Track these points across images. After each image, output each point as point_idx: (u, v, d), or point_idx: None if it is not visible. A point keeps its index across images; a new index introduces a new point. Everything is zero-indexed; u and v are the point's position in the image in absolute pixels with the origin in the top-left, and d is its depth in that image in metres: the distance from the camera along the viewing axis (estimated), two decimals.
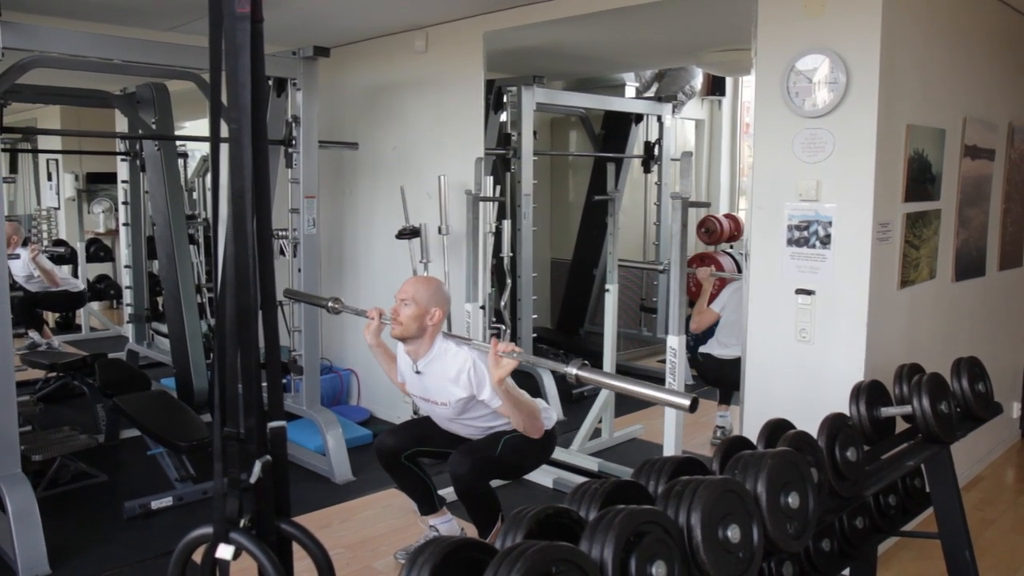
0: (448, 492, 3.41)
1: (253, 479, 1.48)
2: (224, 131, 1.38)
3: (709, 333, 4.74)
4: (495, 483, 3.19)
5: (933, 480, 2.45)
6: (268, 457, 1.50)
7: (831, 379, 3.18)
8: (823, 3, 3.14)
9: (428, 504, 3.33)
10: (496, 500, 3.14)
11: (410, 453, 3.20)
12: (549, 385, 5.33)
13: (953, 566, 2.44)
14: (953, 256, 3.84)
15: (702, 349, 4.74)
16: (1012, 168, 4.39)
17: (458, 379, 2.98)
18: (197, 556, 1.54)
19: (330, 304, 3.41)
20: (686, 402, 2.17)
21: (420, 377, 3.10)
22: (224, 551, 1.46)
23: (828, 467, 1.91)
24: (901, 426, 2.46)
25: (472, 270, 4.38)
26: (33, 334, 7.02)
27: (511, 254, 4.71)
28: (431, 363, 3.06)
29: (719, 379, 4.65)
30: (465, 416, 3.09)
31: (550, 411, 3.21)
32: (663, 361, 3.25)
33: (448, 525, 3.36)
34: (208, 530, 1.49)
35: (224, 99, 1.42)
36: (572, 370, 2.37)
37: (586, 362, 2.39)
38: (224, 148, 1.37)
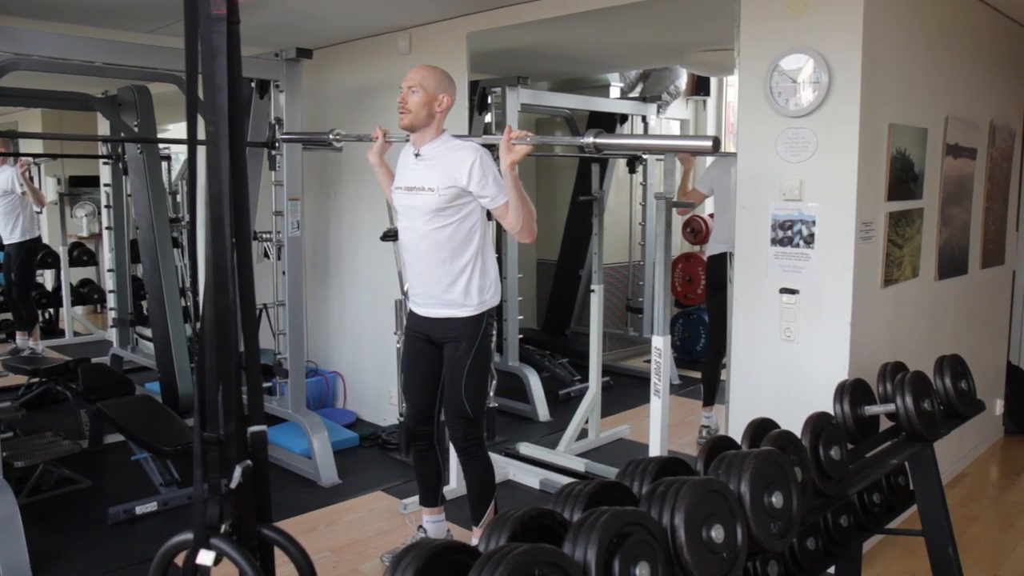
0: (448, 490, 3.48)
1: (233, 484, 1.46)
2: (202, 133, 1.37)
3: (699, 310, 4.66)
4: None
5: (917, 478, 2.46)
6: (248, 462, 1.49)
7: (815, 378, 3.19)
8: (805, 3, 3.15)
9: (432, 495, 3.36)
10: (492, 476, 3.23)
11: (436, 413, 3.22)
12: (535, 386, 5.34)
13: (937, 563, 2.45)
14: (936, 254, 3.86)
15: (708, 253, 4.68)
16: (994, 167, 4.42)
17: (458, 167, 2.91)
18: (180, 562, 1.53)
19: (331, 136, 3.38)
20: (707, 143, 2.13)
21: (418, 162, 3.02)
22: (205, 557, 1.45)
23: (812, 466, 1.91)
24: (885, 424, 2.47)
25: None
26: (20, 337, 6.96)
27: (497, 255, 4.69)
28: (434, 149, 3.00)
29: (721, 280, 4.17)
30: (442, 216, 2.96)
31: (495, 296, 3.15)
32: (650, 361, 3.25)
33: (438, 525, 3.37)
34: (188, 536, 1.48)
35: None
36: (588, 139, 2.34)
37: (601, 130, 2.37)
38: (202, 151, 1.37)
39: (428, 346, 3.17)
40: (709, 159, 5.09)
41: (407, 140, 3.08)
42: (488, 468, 3.21)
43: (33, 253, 7.03)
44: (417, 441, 3.28)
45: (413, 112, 2.97)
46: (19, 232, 6.76)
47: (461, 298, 3.04)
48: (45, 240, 8.58)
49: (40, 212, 6.92)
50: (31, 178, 6.94)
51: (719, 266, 4.19)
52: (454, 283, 3.04)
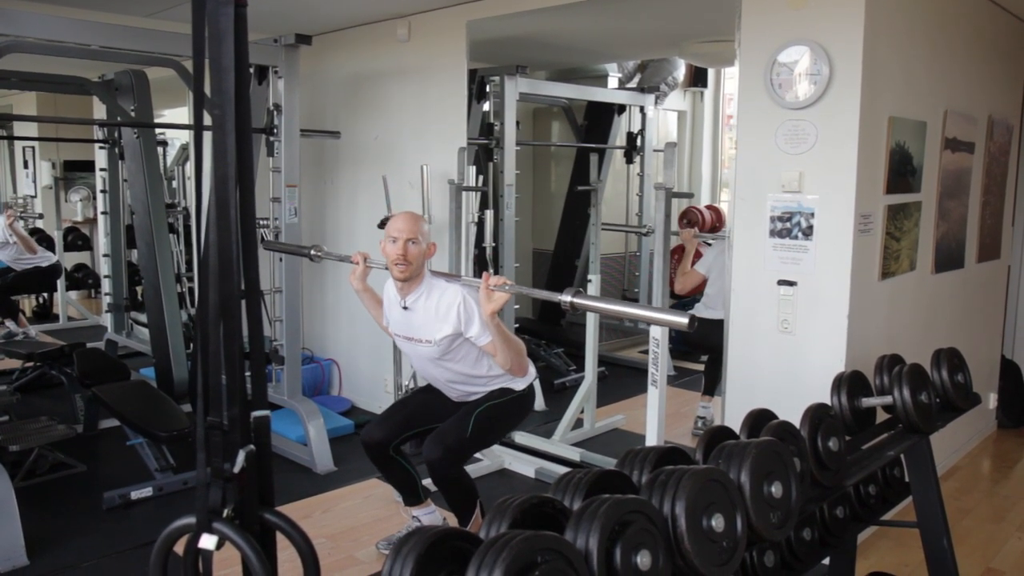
0: (429, 482, 3.41)
1: (237, 469, 1.46)
2: (207, 118, 1.36)
3: (694, 301, 4.74)
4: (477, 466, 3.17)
5: (912, 470, 2.47)
6: (252, 447, 1.49)
7: (813, 369, 3.20)
8: None
9: (413, 495, 3.32)
10: (472, 487, 3.16)
11: (397, 443, 3.17)
12: None
13: (931, 554, 2.46)
14: (933, 248, 3.87)
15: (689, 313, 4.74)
16: (991, 161, 4.43)
17: (447, 315, 2.94)
18: (180, 547, 1.53)
19: (312, 252, 3.40)
20: (684, 320, 2.16)
21: (406, 314, 3.04)
22: (207, 541, 1.45)
23: (811, 457, 1.92)
24: (881, 416, 2.48)
25: (455, 260, 4.37)
26: (9, 323, 6.95)
27: (493, 244, 4.70)
28: (419, 299, 3.01)
29: (704, 341, 4.53)
30: (447, 357, 3.03)
31: (531, 366, 3.20)
32: (645, 351, 3.26)
33: (431, 516, 3.36)
34: (191, 520, 1.47)
35: (207, 86, 1.41)
36: (567, 297, 2.37)
37: (580, 289, 2.40)
38: (207, 135, 1.36)
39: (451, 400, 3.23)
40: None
41: (386, 268, 3.05)
42: (465, 481, 3.14)
43: (42, 276, 7.13)
44: (372, 451, 3.17)
45: (414, 264, 2.97)
46: (36, 259, 6.96)
47: (492, 387, 3.13)
48: (39, 224, 8.57)
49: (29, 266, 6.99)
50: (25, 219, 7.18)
51: (708, 329, 4.24)
52: (479, 386, 3.13)
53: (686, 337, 4.90)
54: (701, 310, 4.61)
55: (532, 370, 3.20)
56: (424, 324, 3.01)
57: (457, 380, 3.12)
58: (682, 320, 2.17)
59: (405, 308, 3.04)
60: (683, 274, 4.70)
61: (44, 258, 7.01)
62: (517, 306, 5.63)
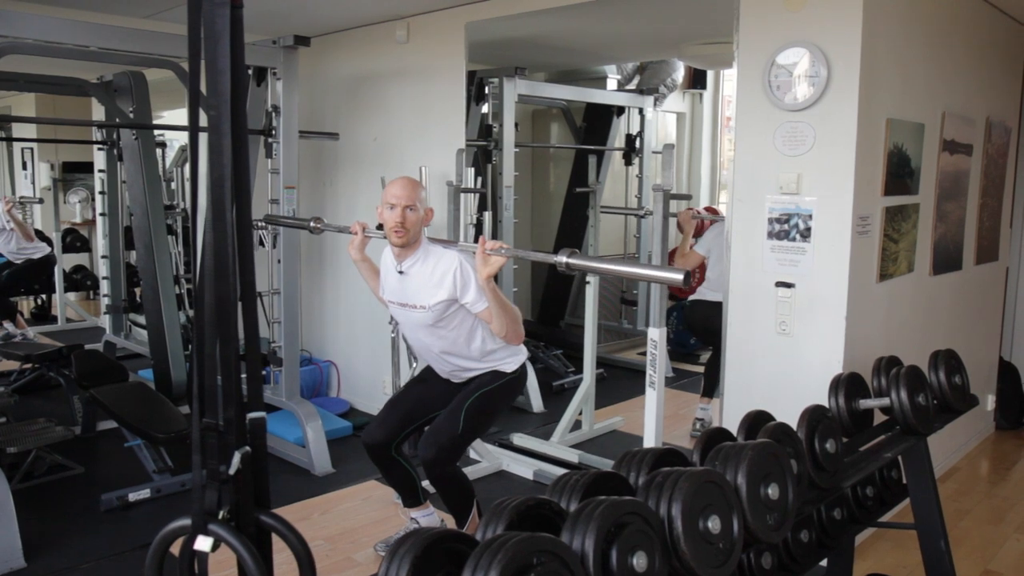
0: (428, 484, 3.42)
1: (232, 471, 1.46)
2: (203, 119, 1.36)
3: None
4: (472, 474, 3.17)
5: (910, 471, 2.47)
6: (247, 448, 1.49)
7: (810, 371, 3.20)
8: None
9: (412, 497, 3.32)
10: (469, 487, 3.16)
11: (398, 441, 3.16)
12: (530, 377, 5.33)
13: (929, 556, 2.46)
14: (931, 250, 3.87)
15: (692, 297, 4.76)
16: (989, 163, 4.43)
17: (442, 281, 2.92)
18: (176, 549, 1.53)
19: (312, 224, 3.41)
20: (679, 276, 2.16)
21: (402, 279, 3.02)
22: (203, 543, 1.45)
23: (808, 459, 1.92)
24: (879, 418, 2.48)
25: None
26: (8, 325, 6.95)
27: None
28: (416, 264, 2.99)
29: (708, 324, 4.51)
30: (441, 324, 3.00)
31: (522, 348, 3.19)
32: (643, 353, 3.26)
33: (429, 519, 3.36)
34: (187, 522, 1.48)
35: (203, 87, 1.41)
36: (562, 258, 2.37)
37: (575, 250, 2.39)
38: (203, 136, 1.36)
39: (447, 383, 3.20)
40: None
41: (384, 237, 3.04)
42: (461, 480, 3.14)
43: (36, 269, 7.16)
44: (373, 452, 3.18)
45: (411, 231, 2.95)
46: (29, 250, 7.03)
47: (485, 363, 3.10)
48: (38, 225, 8.57)
49: (32, 243, 7.04)
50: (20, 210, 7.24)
51: (711, 311, 4.23)
52: (472, 361, 3.10)
53: (689, 322, 4.89)
54: (705, 293, 4.62)
55: (524, 351, 3.19)
56: (419, 289, 2.98)
57: (450, 351, 3.07)
58: (677, 276, 2.16)
59: (401, 272, 3.02)
60: (682, 256, 4.71)
61: (37, 249, 7.04)
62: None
